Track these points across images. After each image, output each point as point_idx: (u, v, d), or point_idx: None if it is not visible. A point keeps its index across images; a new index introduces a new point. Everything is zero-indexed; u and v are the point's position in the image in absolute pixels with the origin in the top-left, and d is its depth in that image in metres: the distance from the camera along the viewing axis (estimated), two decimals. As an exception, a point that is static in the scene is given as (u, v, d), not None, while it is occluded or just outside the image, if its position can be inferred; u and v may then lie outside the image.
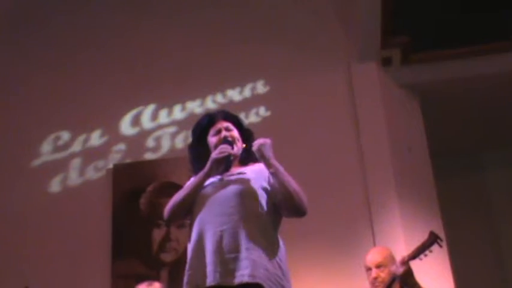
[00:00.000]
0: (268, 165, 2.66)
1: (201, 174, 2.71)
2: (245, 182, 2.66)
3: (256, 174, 2.71)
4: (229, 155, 2.70)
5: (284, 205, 2.63)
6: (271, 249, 2.53)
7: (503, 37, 5.30)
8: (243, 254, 2.46)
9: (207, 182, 2.72)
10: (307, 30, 5.58)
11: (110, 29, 5.79)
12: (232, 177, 2.70)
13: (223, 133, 2.81)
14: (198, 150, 2.88)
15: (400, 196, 4.92)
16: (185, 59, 5.55)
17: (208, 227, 2.57)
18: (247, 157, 2.80)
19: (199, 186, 2.70)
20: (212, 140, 2.83)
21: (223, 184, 2.68)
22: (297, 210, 2.62)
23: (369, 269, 3.74)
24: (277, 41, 5.51)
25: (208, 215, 2.60)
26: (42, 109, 5.56)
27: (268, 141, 2.72)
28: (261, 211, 2.59)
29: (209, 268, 2.47)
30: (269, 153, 2.68)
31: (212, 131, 2.86)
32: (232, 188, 2.63)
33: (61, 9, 5.85)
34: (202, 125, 2.92)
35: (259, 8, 5.68)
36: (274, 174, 2.63)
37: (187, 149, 2.99)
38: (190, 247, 2.62)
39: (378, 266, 3.69)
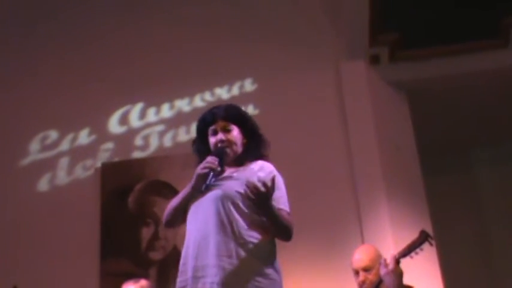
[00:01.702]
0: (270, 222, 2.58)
1: (188, 186, 2.69)
2: (227, 187, 2.61)
3: (244, 178, 2.59)
4: (211, 170, 2.61)
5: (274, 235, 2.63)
6: (244, 255, 2.49)
7: (491, 35, 5.30)
8: (214, 261, 2.46)
9: (204, 186, 2.67)
10: (295, 28, 5.57)
11: (97, 28, 5.76)
12: (218, 182, 2.65)
13: (219, 136, 2.76)
14: (200, 146, 2.87)
15: (389, 194, 4.93)
16: (173, 57, 5.54)
17: (191, 233, 2.60)
18: (246, 156, 2.77)
19: (187, 197, 2.69)
20: (210, 140, 2.80)
21: (209, 190, 2.64)
22: (284, 239, 2.63)
23: (356, 272, 3.68)
24: (266, 39, 5.51)
25: (192, 221, 2.63)
26: (30, 108, 5.54)
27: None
28: (237, 217, 2.54)
29: (188, 274, 2.52)
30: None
31: (210, 131, 2.81)
32: (212, 194, 2.60)
33: (45, 11, 5.81)
34: (203, 123, 2.87)
35: (247, 6, 5.67)
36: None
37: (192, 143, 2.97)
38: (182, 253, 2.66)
39: (365, 269, 3.62)
